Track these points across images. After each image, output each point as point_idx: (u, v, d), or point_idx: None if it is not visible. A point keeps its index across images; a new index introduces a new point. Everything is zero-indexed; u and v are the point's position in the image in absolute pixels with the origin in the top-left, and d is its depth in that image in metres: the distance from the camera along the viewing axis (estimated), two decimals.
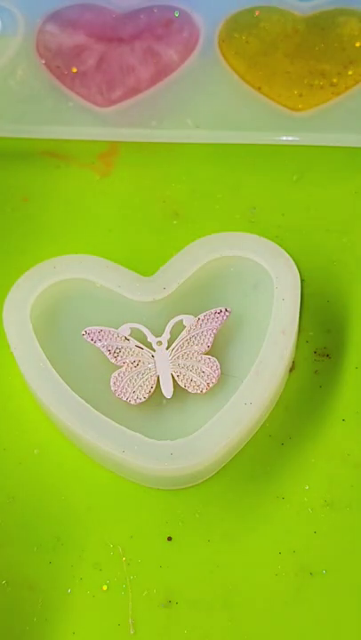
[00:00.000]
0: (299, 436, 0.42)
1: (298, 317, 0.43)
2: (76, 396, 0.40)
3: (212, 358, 0.42)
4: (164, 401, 0.42)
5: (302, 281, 0.44)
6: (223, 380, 0.42)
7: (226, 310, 0.42)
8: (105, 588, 0.39)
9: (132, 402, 0.41)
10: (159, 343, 0.42)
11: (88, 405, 0.40)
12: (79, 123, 0.51)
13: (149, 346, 0.42)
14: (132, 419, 0.41)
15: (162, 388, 0.41)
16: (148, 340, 0.43)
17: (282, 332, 0.42)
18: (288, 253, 0.44)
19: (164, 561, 0.39)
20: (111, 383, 0.41)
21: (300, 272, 0.44)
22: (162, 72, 0.51)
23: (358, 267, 0.46)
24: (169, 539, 0.40)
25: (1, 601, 0.39)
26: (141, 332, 0.43)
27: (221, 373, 0.41)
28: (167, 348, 0.42)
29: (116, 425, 0.40)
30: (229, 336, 0.43)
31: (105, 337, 0.42)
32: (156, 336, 0.43)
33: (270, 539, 0.40)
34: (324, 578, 0.39)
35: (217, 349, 0.42)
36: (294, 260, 0.44)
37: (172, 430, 0.41)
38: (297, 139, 0.50)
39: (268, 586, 0.39)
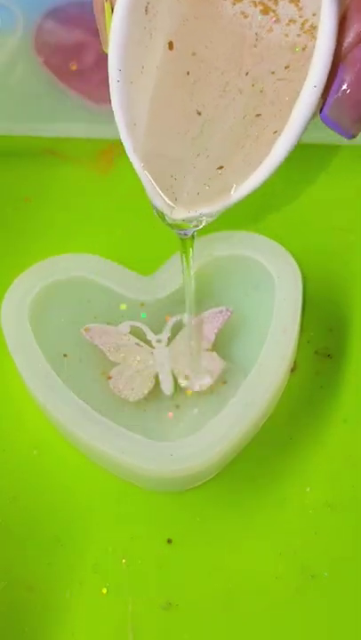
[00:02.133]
0: (300, 437, 0.42)
1: (299, 317, 0.42)
2: (75, 396, 0.40)
3: (213, 355, 0.42)
4: (164, 400, 0.41)
5: (304, 280, 0.44)
6: (223, 380, 0.42)
7: (227, 310, 0.42)
8: (105, 590, 0.38)
9: (131, 399, 0.41)
10: (159, 341, 0.42)
11: (87, 406, 0.40)
12: (78, 120, 0.50)
13: (149, 344, 0.42)
14: (132, 418, 0.41)
15: (162, 385, 0.41)
16: (148, 337, 0.43)
17: (283, 332, 0.42)
18: (289, 253, 0.44)
19: (164, 563, 0.39)
20: (110, 380, 0.41)
21: (301, 271, 0.44)
22: None
23: (360, 266, 0.46)
24: (169, 541, 0.40)
25: (0, 602, 0.38)
26: (141, 329, 0.43)
27: (222, 372, 0.41)
28: (167, 346, 0.42)
29: (116, 426, 0.40)
30: (230, 335, 0.43)
31: (104, 334, 0.42)
32: (156, 334, 0.43)
33: (271, 540, 0.39)
34: (326, 580, 0.38)
35: (217, 349, 0.42)
36: (296, 260, 0.44)
37: (173, 431, 0.40)
38: None
39: (269, 588, 0.38)
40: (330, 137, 0.49)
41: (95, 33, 0.53)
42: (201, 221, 0.33)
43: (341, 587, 0.38)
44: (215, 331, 0.42)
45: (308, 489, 0.40)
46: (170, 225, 0.34)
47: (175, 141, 0.33)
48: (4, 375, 0.43)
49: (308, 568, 0.39)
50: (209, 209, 0.32)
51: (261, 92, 0.32)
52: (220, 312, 0.42)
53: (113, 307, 0.44)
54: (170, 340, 0.42)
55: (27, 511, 0.40)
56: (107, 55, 0.32)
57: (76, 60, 0.51)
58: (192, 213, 0.32)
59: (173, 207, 0.33)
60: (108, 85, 0.51)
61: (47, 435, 0.42)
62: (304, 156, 0.50)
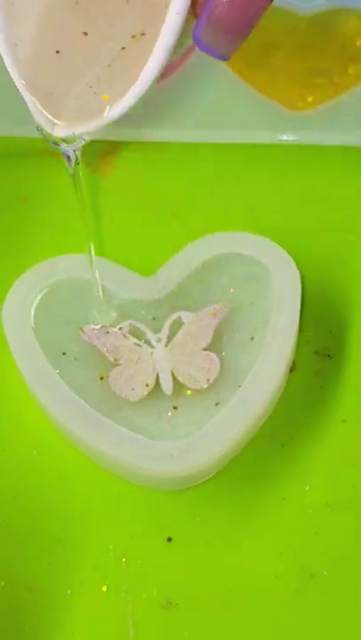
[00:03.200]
0: (299, 436, 0.42)
1: (298, 317, 0.42)
2: (76, 396, 0.40)
3: (212, 354, 0.42)
4: (164, 400, 0.41)
5: (303, 280, 0.44)
6: (223, 380, 0.41)
7: (224, 307, 0.42)
8: (105, 589, 0.38)
9: (131, 399, 0.41)
10: (158, 340, 0.42)
11: (88, 406, 0.40)
12: None
13: (148, 343, 0.42)
14: (132, 418, 0.41)
15: (161, 384, 0.41)
16: (148, 337, 0.43)
17: (282, 332, 0.42)
18: (288, 252, 0.44)
19: (164, 562, 0.39)
20: (110, 380, 0.41)
21: (300, 271, 0.44)
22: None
23: (359, 266, 0.46)
24: (169, 539, 0.40)
25: (0, 602, 0.38)
26: (140, 329, 0.43)
27: (221, 372, 0.41)
28: (166, 345, 0.42)
29: (117, 425, 0.40)
30: (229, 336, 0.43)
31: (104, 335, 0.42)
32: (155, 334, 0.43)
33: (271, 539, 0.39)
34: (325, 579, 0.38)
35: (216, 349, 0.42)
36: (294, 259, 0.44)
37: (173, 431, 0.40)
38: (297, 138, 0.50)
39: (269, 587, 0.38)
40: (330, 138, 0.50)
41: None
42: (80, 141, 0.35)
43: (341, 586, 0.38)
44: (212, 328, 0.42)
45: (307, 488, 0.40)
46: (51, 142, 0.36)
47: (58, 62, 0.34)
48: (5, 375, 0.43)
49: (308, 568, 0.39)
50: (85, 128, 0.34)
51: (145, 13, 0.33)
52: (217, 310, 0.42)
53: (113, 307, 0.44)
54: (169, 339, 0.42)
55: (27, 511, 0.40)
56: None
57: None
58: (71, 131, 0.34)
59: (55, 124, 0.34)
60: None
61: (47, 435, 0.42)
62: (304, 156, 0.50)
